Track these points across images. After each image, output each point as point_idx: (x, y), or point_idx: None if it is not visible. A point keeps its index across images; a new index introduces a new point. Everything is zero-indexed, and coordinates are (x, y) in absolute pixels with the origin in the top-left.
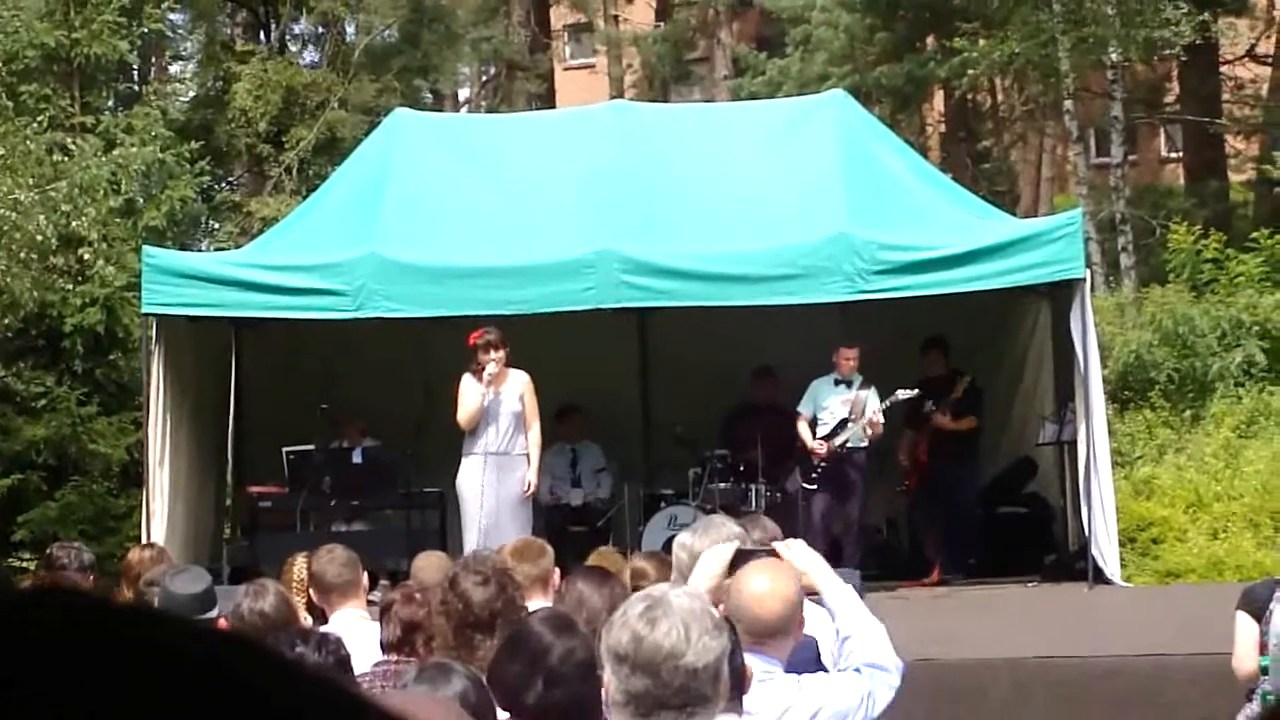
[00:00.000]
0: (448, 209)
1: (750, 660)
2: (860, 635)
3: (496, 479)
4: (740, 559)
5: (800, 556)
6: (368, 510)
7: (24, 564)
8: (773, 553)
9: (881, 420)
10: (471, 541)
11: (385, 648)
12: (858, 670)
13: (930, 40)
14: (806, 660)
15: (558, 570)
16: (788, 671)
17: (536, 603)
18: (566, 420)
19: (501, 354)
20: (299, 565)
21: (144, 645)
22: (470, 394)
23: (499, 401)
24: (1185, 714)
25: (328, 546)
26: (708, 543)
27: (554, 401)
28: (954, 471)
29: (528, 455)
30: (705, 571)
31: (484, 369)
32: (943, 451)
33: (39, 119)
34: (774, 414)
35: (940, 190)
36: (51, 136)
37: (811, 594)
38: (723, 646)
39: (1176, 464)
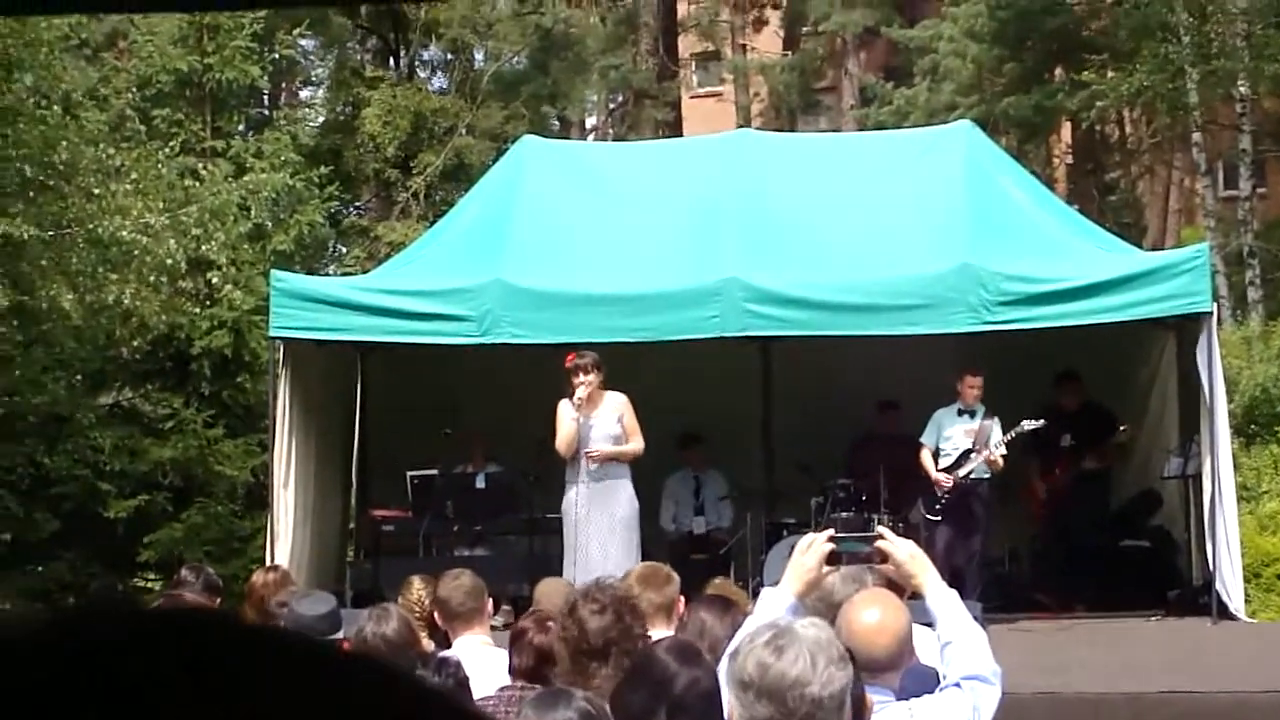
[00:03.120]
0: (574, 236)
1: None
2: (961, 642)
3: (595, 507)
4: (836, 558)
5: (903, 550)
6: (490, 535)
7: (149, 584)
8: (876, 554)
9: (1003, 454)
10: (569, 570)
11: (515, 674)
12: (958, 685)
13: (1058, 71)
14: (925, 691)
15: (682, 598)
16: (900, 698)
17: (660, 630)
18: (689, 448)
19: (593, 378)
20: (417, 588)
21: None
22: (565, 420)
23: (591, 426)
24: None
25: (454, 572)
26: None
27: (677, 428)
28: (1086, 504)
29: (629, 478)
30: (800, 565)
31: (575, 392)
32: (1078, 485)
33: (171, 144)
34: (897, 444)
35: (1066, 222)
36: (183, 161)
37: (915, 596)
38: (848, 677)
39: None
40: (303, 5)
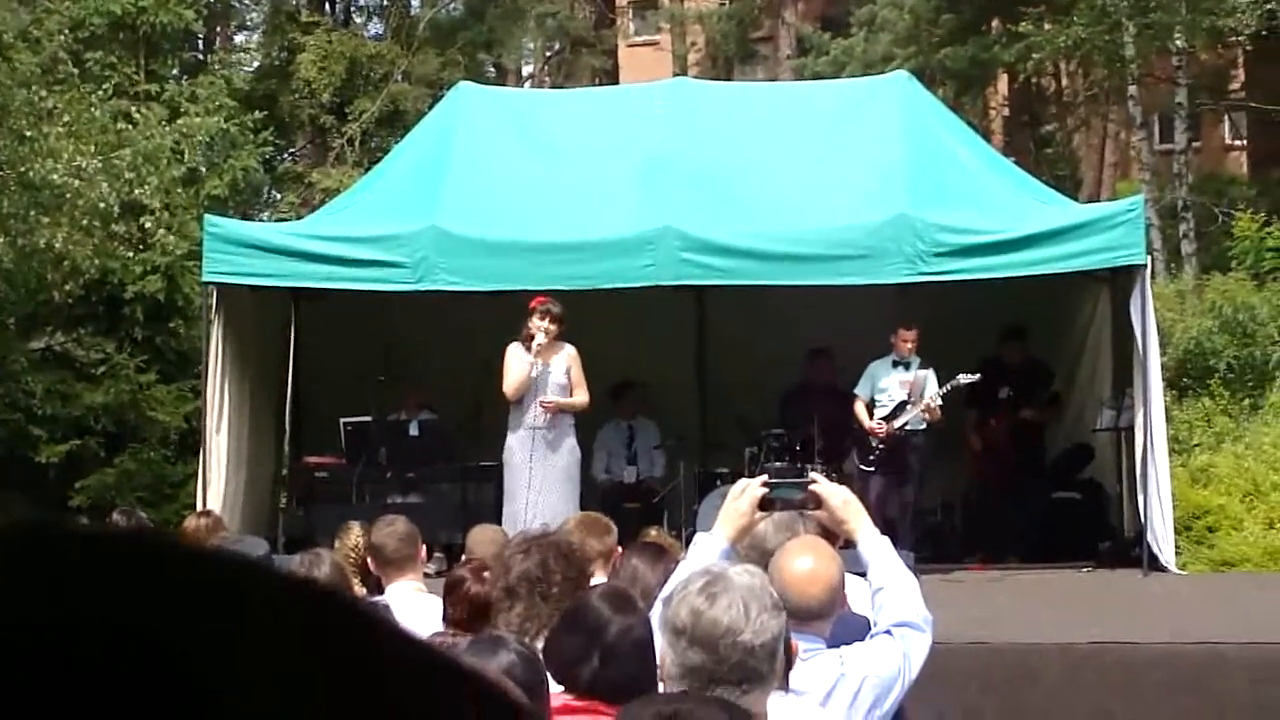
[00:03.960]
0: (509, 183)
1: (793, 640)
2: (892, 589)
3: (543, 454)
4: (769, 504)
5: (836, 494)
6: (423, 482)
7: None
8: (810, 499)
9: (939, 406)
10: (512, 516)
11: (449, 623)
12: (889, 633)
13: (995, 23)
14: (856, 639)
15: (619, 548)
16: (831, 646)
17: (598, 578)
18: (622, 397)
19: (554, 328)
20: (355, 534)
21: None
22: (517, 364)
23: (546, 373)
24: (1237, 703)
25: (388, 518)
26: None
27: (611, 378)
28: (1021, 457)
29: (573, 426)
30: (734, 510)
31: (533, 338)
32: (1013, 437)
33: (104, 87)
34: (831, 394)
35: (1002, 174)
36: (116, 104)
37: (848, 545)
38: (780, 625)
39: (1234, 452)
40: None
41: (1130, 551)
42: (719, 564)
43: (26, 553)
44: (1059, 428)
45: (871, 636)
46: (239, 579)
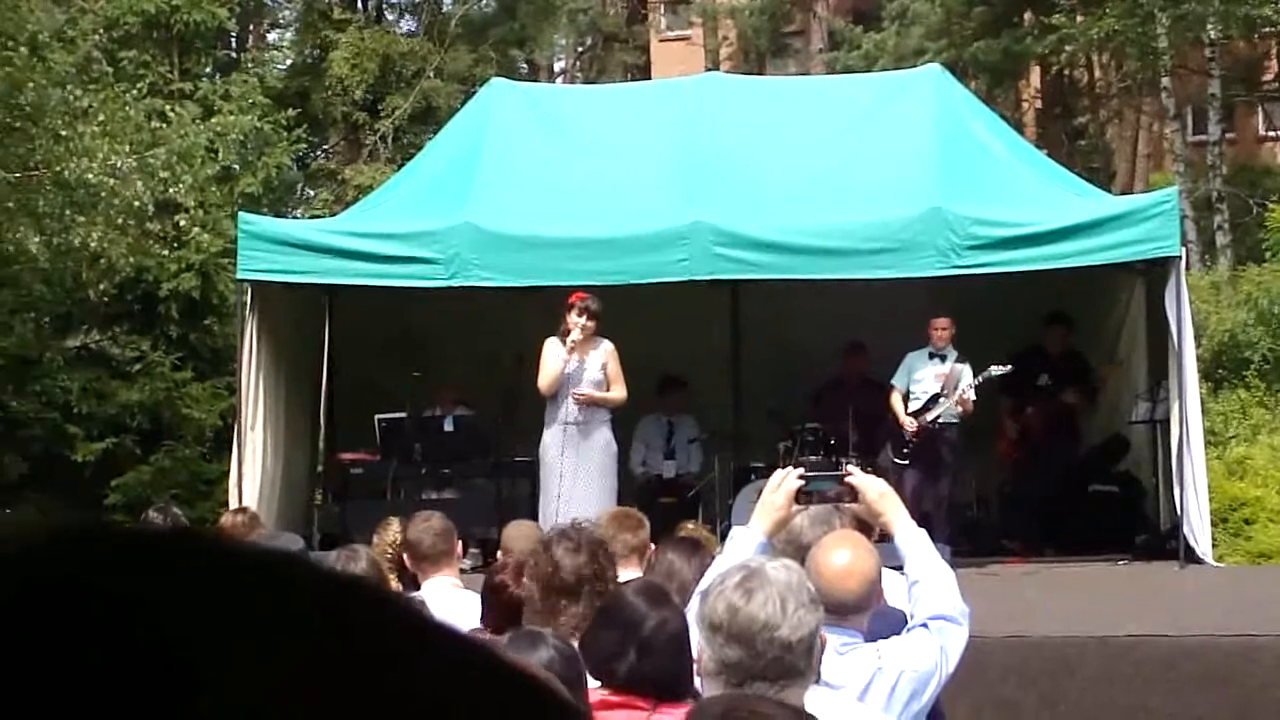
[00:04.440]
0: (542, 179)
1: (830, 634)
2: (929, 581)
3: (578, 449)
4: (805, 497)
5: (872, 487)
6: (458, 478)
7: None
8: (846, 492)
9: (973, 398)
10: (546, 511)
11: (490, 626)
12: (925, 626)
13: (1028, 16)
14: (893, 633)
15: (651, 543)
16: (868, 640)
17: (631, 573)
18: (669, 393)
19: (592, 325)
20: (394, 530)
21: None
22: (553, 359)
23: (582, 369)
24: (1273, 695)
25: (424, 514)
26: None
27: (645, 372)
28: (1057, 447)
29: (608, 422)
30: (770, 503)
31: (570, 332)
32: (1050, 424)
33: (138, 85)
34: (865, 387)
35: (1035, 167)
36: (150, 103)
37: (884, 537)
38: (817, 620)
39: (1271, 444)
40: None
41: (1166, 544)
42: (755, 559)
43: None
44: (1094, 418)
45: (908, 630)
46: (272, 573)
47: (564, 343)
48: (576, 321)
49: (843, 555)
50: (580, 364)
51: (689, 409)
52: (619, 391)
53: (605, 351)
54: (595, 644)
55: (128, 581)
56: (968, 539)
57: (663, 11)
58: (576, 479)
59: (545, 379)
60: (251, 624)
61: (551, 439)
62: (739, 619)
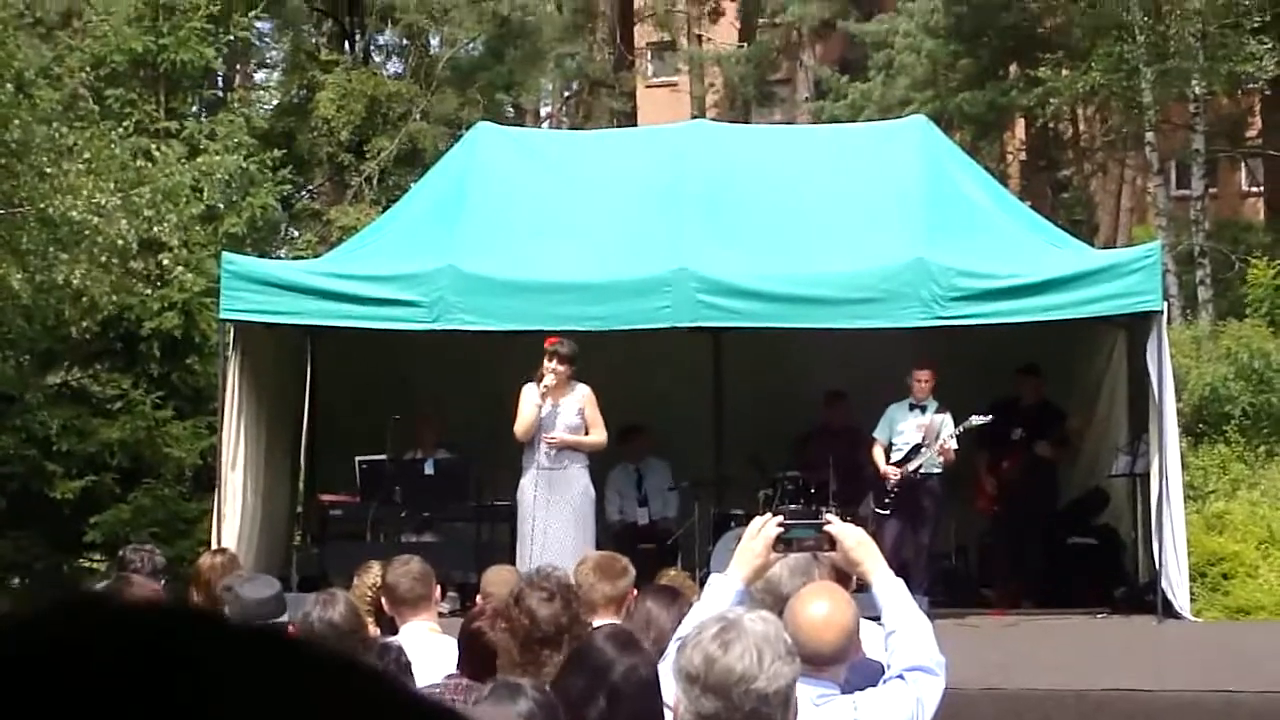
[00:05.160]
0: (527, 223)
1: (806, 686)
2: (905, 631)
3: (549, 494)
4: (784, 544)
5: (850, 535)
6: (438, 521)
7: (95, 565)
8: (825, 540)
9: (954, 448)
10: (523, 557)
11: (464, 669)
12: (901, 677)
13: (1013, 68)
14: (870, 685)
15: (634, 589)
16: (845, 692)
17: (607, 620)
18: (630, 440)
19: (565, 369)
20: (374, 573)
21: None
22: (528, 404)
23: (555, 414)
24: None
25: (403, 558)
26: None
27: (628, 418)
28: (1035, 499)
29: (586, 467)
30: (749, 550)
31: (544, 378)
32: (1027, 477)
33: (124, 124)
34: (847, 437)
35: (1019, 219)
36: (136, 141)
37: (861, 587)
38: (794, 672)
39: (1250, 500)
40: None
41: (1145, 598)
42: (733, 610)
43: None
44: (1074, 471)
45: (885, 681)
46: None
47: (539, 388)
48: (549, 367)
49: (821, 606)
50: (555, 409)
51: (656, 453)
52: (598, 435)
53: (582, 396)
54: (565, 690)
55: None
56: (947, 589)
57: (649, 58)
58: (552, 524)
59: (520, 424)
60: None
61: (528, 484)
62: (716, 670)
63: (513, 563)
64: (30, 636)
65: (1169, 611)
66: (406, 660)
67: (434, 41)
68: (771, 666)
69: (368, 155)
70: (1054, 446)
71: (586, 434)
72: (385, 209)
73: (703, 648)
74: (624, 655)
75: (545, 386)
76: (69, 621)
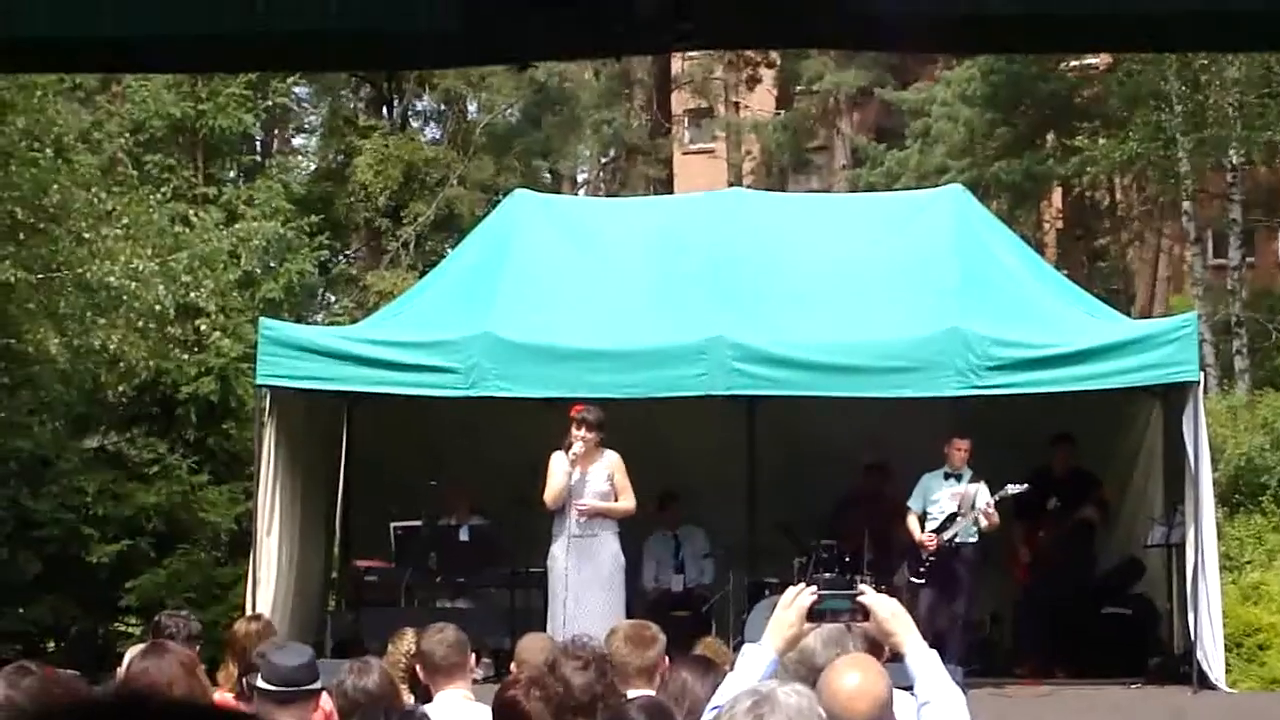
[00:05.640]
0: (563, 291)
1: None
2: (939, 703)
3: (579, 562)
4: (818, 615)
5: (884, 606)
6: (472, 587)
7: (130, 629)
8: (859, 611)
9: (995, 513)
10: (554, 624)
11: None
12: None
13: (1050, 137)
14: None
15: (666, 657)
16: None
17: (640, 691)
18: (667, 507)
19: (593, 436)
20: (409, 640)
21: None
22: (557, 472)
23: (585, 481)
24: None
25: (438, 625)
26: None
27: (660, 484)
28: (1069, 568)
29: (616, 534)
30: (782, 620)
31: (571, 446)
32: (1062, 547)
33: (162, 189)
34: (883, 507)
35: (1055, 288)
36: (174, 207)
37: (895, 657)
38: None
39: None
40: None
41: (1180, 668)
42: (766, 683)
43: None
44: (1110, 541)
45: None
46: None
47: (568, 455)
48: (577, 435)
49: (854, 677)
50: (584, 476)
51: (694, 520)
52: (627, 502)
53: (611, 463)
54: None
55: None
56: (981, 658)
57: (686, 125)
58: (583, 591)
59: (550, 492)
60: None
61: (559, 551)
62: None
63: (545, 630)
64: None
65: (1204, 682)
66: None
67: (471, 107)
68: None
69: (405, 220)
70: (1095, 510)
71: (616, 500)
72: (422, 274)
73: None
74: None
75: (574, 454)
76: None
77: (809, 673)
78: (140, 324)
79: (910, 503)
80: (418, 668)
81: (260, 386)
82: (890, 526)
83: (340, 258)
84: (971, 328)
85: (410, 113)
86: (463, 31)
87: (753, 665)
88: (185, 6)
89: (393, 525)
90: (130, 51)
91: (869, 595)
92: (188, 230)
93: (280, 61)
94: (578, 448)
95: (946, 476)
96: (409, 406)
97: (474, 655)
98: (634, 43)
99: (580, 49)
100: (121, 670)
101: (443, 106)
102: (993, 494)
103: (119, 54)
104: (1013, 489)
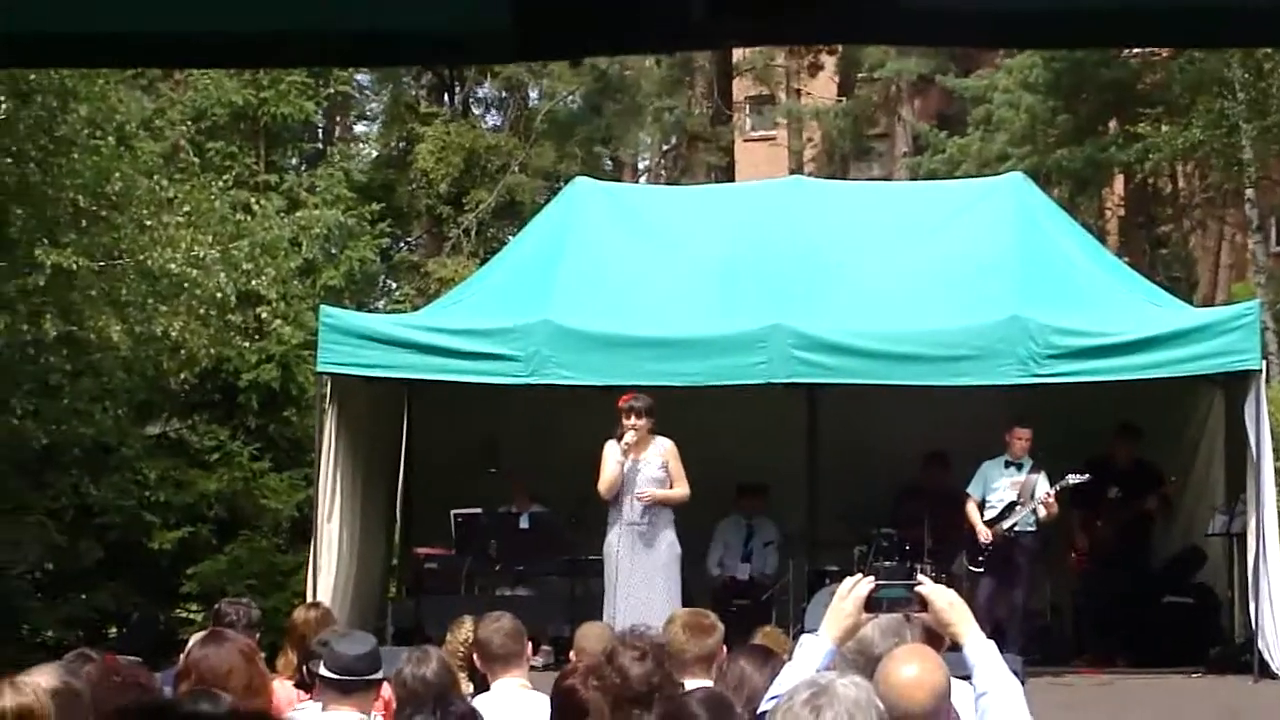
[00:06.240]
0: (624, 278)
1: None
2: (996, 693)
3: (633, 550)
4: (875, 604)
5: (941, 596)
6: (532, 575)
7: (191, 615)
8: (916, 601)
9: (1055, 503)
10: (610, 613)
11: None
12: None
13: (1112, 124)
14: None
15: (724, 647)
16: None
17: (698, 680)
18: (750, 497)
19: (644, 423)
20: (467, 628)
21: None
22: (610, 462)
23: (638, 470)
24: None
25: (495, 614)
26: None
27: (721, 473)
28: (1129, 558)
29: (672, 522)
30: (840, 610)
31: (624, 435)
32: (1121, 536)
33: (224, 177)
34: (943, 496)
35: (1116, 276)
36: (235, 194)
37: (954, 647)
38: None
39: None
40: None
41: (1241, 657)
42: (824, 675)
43: None
44: (1171, 529)
45: None
46: None
47: (621, 445)
48: (628, 424)
49: (912, 668)
50: (636, 464)
51: (768, 512)
52: (681, 489)
53: (664, 450)
54: None
55: None
56: (1041, 648)
57: (748, 112)
58: (639, 580)
59: (604, 482)
60: None
61: (614, 539)
62: None
63: (601, 618)
64: None
65: (1265, 671)
66: None
67: (533, 94)
68: None
69: (466, 208)
70: (1158, 501)
71: (671, 487)
72: (483, 261)
73: (794, 713)
74: None
75: (626, 444)
76: None
77: (867, 663)
78: (201, 311)
79: (970, 490)
80: (475, 656)
81: (321, 374)
82: (951, 515)
83: (401, 245)
84: (1032, 316)
85: (471, 100)
86: (512, 28)
87: (810, 655)
88: (242, 3)
89: (453, 513)
90: (184, 47)
91: (926, 585)
92: (249, 218)
93: (337, 58)
94: (629, 437)
95: (1007, 465)
96: (470, 393)
97: (532, 643)
98: (687, 40)
99: (635, 47)
100: (181, 658)
101: (504, 93)
102: (1052, 484)
103: (171, 50)
104: (1073, 479)
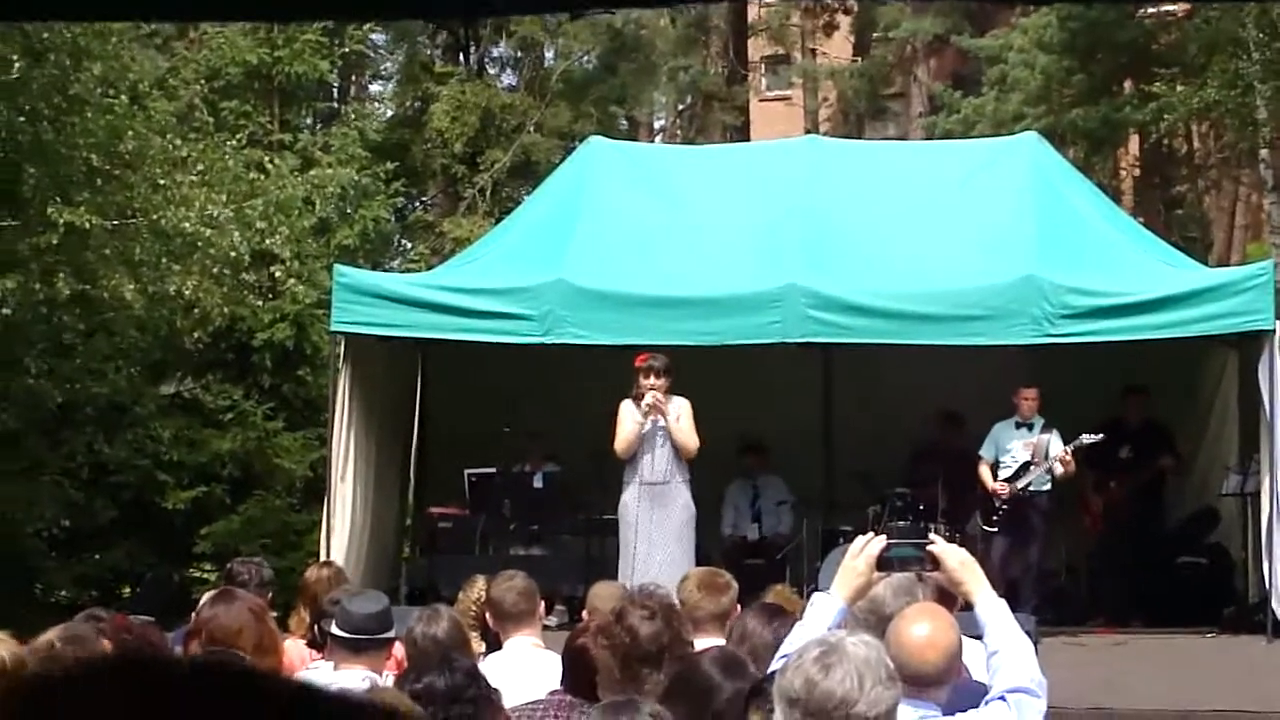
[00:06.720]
0: (638, 238)
1: (908, 707)
2: (1007, 652)
3: (652, 510)
4: (887, 564)
5: (953, 555)
6: (546, 535)
7: (205, 575)
8: (928, 560)
9: (1072, 461)
10: (625, 572)
11: (568, 685)
12: (1003, 699)
13: (1127, 84)
14: (972, 706)
15: (738, 606)
16: (947, 713)
17: (712, 638)
18: (752, 455)
19: (663, 383)
20: (479, 587)
21: None
22: (628, 421)
23: (656, 430)
24: None
25: (508, 573)
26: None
27: (737, 433)
28: (1142, 519)
29: (688, 483)
30: (851, 569)
31: (643, 396)
32: (1134, 497)
33: (238, 136)
34: (958, 457)
35: (1131, 236)
36: (249, 153)
37: (966, 607)
38: (895, 697)
39: None
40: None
41: (1254, 617)
42: (835, 633)
43: None
44: (1185, 489)
45: (986, 703)
46: None
47: (637, 406)
48: (647, 384)
49: (923, 627)
50: (654, 425)
51: (773, 470)
52: (693, 440)
53: (679, 406)
54: (669, 713)
55: None
56: (1055, 608)
57: (763, 72)
58: (654, 540)
59: (621, 443)
60: None
61: (630, 499)
62: (816, 694)
63: (616, 578)
64: None
65: (1279, 632)
66: (489, 691)
67: (548, 54)
68: (872, 691)
69: (481, 167)
70: (1174, 460)
71: (685, 444)
72: (498, 221)
73: (804, 671)
74: (729, 680)
75: (648, 405)
76: None
77: (878, 621)
78: (215, 270)
79: (982, 452)
80: (487, 615)
81: (335, 333)
82: (965, 475)
83: (416, 204)
84: (1047, 276)
85: (487, 59)
86: None
87: (821, 614)
88: None
89: (466, 472)
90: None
91: (938, 544)
92: (263, 177)
93: (348, 12)
94: (649, 399)
95: (1018, 426)
96: (483, 353)
97: (546, 602)
98: None
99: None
100: (193, 617)
101: (519, 53)
102: (1066, 444)
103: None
104: (1087, 439)
